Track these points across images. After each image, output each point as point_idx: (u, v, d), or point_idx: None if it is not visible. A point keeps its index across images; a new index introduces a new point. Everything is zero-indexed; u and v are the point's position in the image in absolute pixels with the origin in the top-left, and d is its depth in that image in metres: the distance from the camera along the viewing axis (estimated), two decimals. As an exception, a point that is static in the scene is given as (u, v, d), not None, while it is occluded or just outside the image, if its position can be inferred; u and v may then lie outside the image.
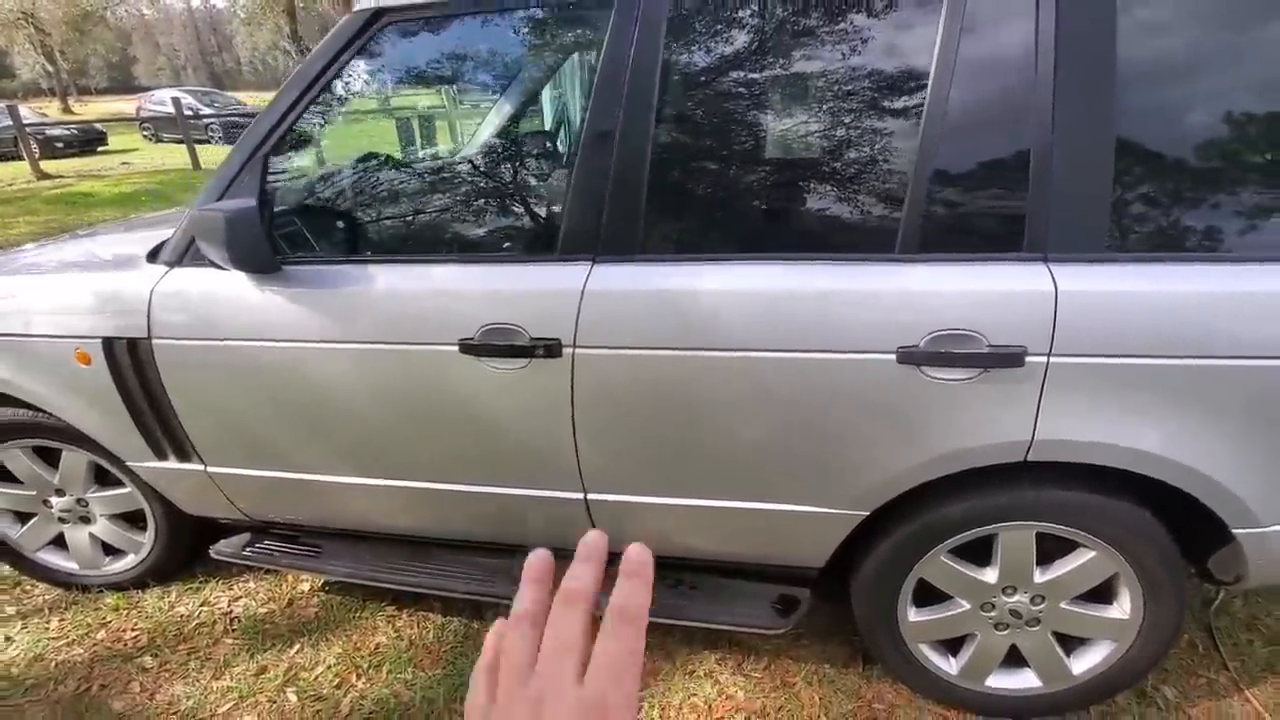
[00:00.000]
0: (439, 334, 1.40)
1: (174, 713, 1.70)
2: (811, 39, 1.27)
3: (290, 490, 1.71)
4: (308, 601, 2.04)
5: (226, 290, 1.49)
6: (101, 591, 2.10)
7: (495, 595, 1.71)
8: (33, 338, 1.67)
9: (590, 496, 1.53)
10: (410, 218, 1.60)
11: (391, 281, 1.43)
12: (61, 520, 2.04)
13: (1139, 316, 1.17)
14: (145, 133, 17.27)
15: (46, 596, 2.13)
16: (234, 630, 1.94)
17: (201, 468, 1.74)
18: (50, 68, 29.43)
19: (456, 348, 1.40)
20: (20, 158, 11.08)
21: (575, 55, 1.37)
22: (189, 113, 13.88)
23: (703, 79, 1.30)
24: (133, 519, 2.03)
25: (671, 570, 1.71)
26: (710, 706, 1.67)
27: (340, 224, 1.65)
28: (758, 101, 1.30)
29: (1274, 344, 1.14)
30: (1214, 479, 1.23)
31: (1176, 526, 1.36)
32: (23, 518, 2.07)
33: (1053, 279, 1.19)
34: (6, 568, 2.22)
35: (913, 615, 1.55)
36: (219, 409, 1.61)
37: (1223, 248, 1.18)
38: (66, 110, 28.16)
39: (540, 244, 1.46)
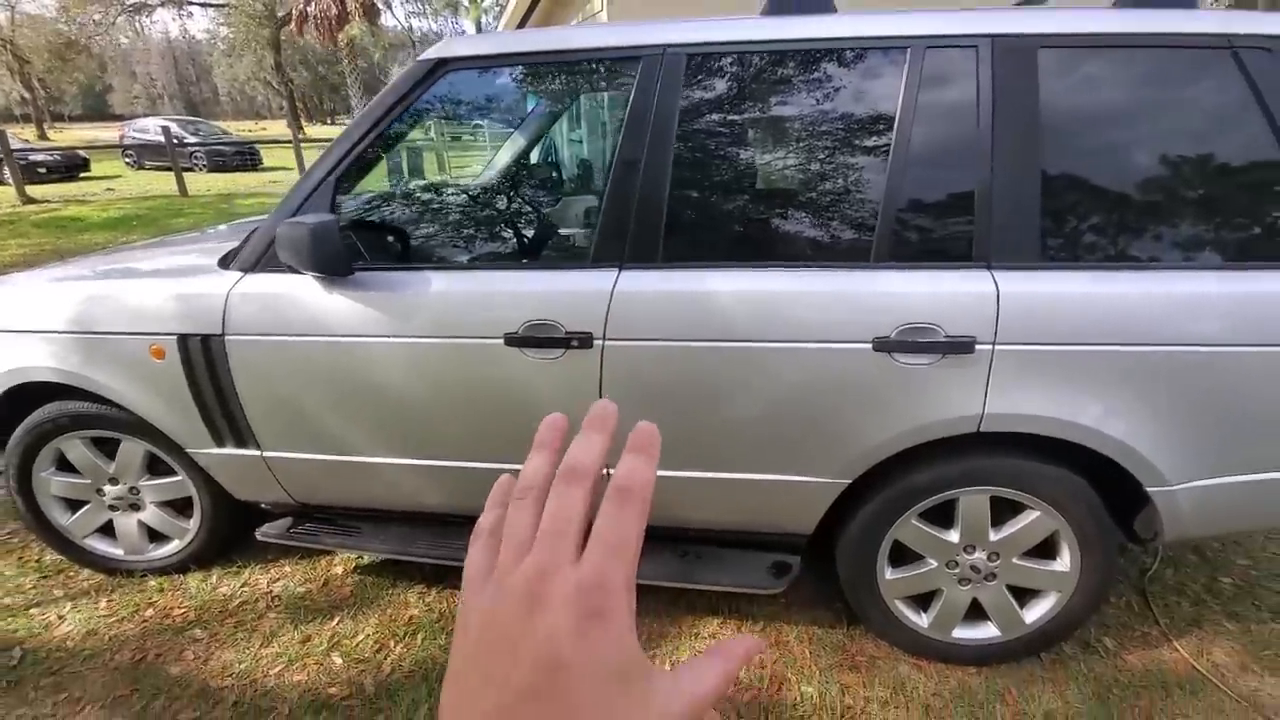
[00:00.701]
0: (486, 329, 1.65)
1: (228, 675, 1.87)
2: (798, 92, 1.57)
3: (341, 472, 1.92)
4: (342, 581, 2.23)
5: (299, 292, 1.72)
6: (145, 575, 2.26)
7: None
8: (109, 335, 1.87)
9: (613, 470, 1.76)
10: (462, 232, 1.86)
11: (446, 285, 1.68)
12: (112, 508, 2.20)
13: (1065, 312, 1.47)
14: (128, 160, 17.32)
15: (91, 581, 2.27)
16: (276, 606, 2.12)
17: (258, 453, 1.94)
18: (28, 94, 29.42)
19: (501, 341, 1.65)
20: (5, 182, 11.10)
21: (604, 100, 1.65)
22: (174, 140, 14.01)
23: (712, 122, 1.59)
24: (179, 506, 2.21)
25: (677, 541, 1.95)
26: (714, 662, 1.89)
27: (401, 236, 1.90)
28: (756, 140, 1.59)
29: (1174, 334, 1.44)
30: (1129, 445, 1.52)
31: (1104, 492, 1.64)
32: (73, 506, 2.23)
33: (995, 282, 1.49)
34: (48, 555, 2.37)
35: (889, 574, 1.80)
36: (281, 398, 1.83)
37: (1129, 258, 1.49)
38: (42, 137, 28.01)
39: (575, 254, 1.72)
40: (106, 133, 32.80)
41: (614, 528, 0.27)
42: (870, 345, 1.53)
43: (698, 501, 1.79)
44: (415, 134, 1.86)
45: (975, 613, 1.83)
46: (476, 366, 1.68)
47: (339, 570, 2.28)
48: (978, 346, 1.50)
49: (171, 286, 1.84)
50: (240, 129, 28.29)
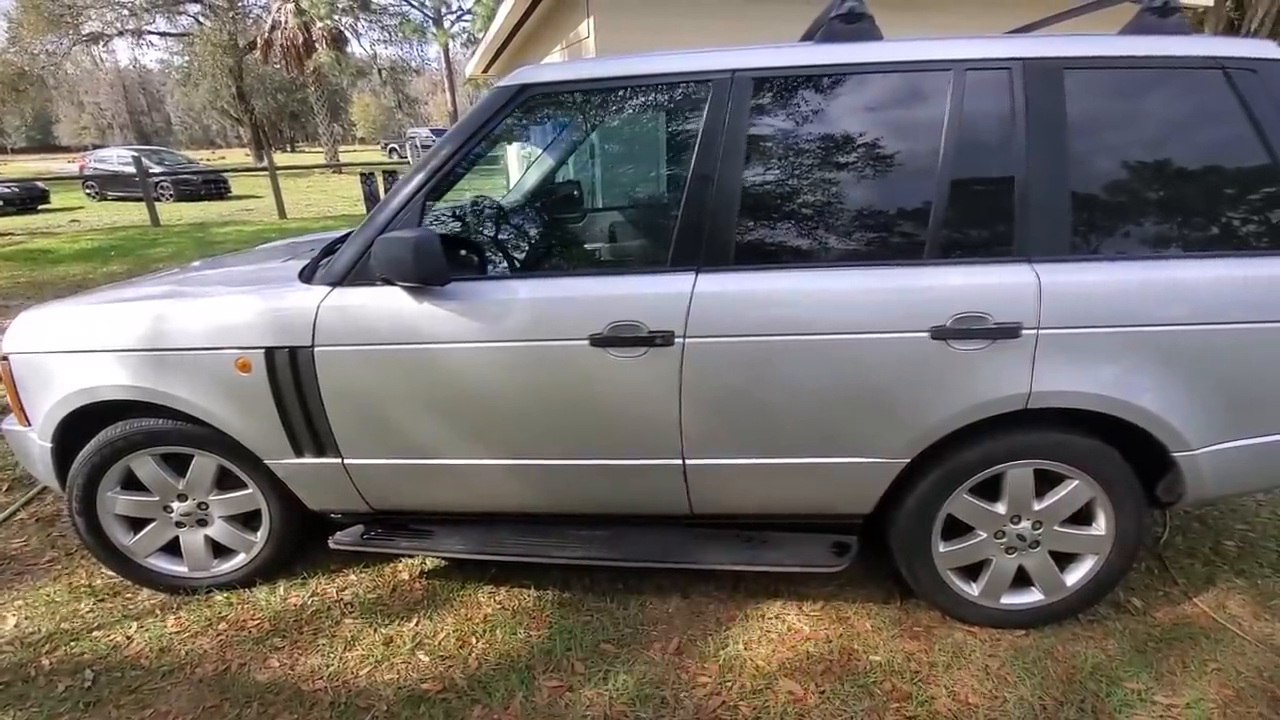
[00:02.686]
0: (572, 331, 1.78)
1: (318, 678, 1.93)
2: (853, 109, 1.75)
3: (423, 475, 2.00)
4: (411, 586, 2.29)
5: (391, 303, 1.82)
6: (210, 591, 2.29)
7: (592, 558, 2.04)
8: (191, 350, 1.93)
9: (688, 462, 1.89)
10: (547, 242, 1.99)
11: (533, 291, 1.80)
12: (179, 525, 2.24)
13: (1098, 298, 1.66)
14: (89, 191, 16.92)
15: (152, 600, 2.29)
16: (351, 612, 2.18)
17: (338, 461, 2.01)
18: (-31, 128, 28.59)
19: (587, 341, 1.77)
20: (-38, 216, 10.79)
21: (677, 120, 1.81)
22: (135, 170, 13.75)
23: (777, 137, 1.76)
24: (245, 520, 2.26)
25: (743, 528, 2.08)
26: (782, 638, 2.02)
27: (486, 247, 2.02)
28: (817, 153, 1.76)
29: (1197, 314, 1.64)
30: (1158, 415, 1.71)
31: (1132, 460, 1.83)
32: (136, 525, 2.26)
33: (1035, 274, 1.68)
34: (99, 578, 2.38)
35: (942, 547, 1.96)
36: (368, 405, 1.91)
37: (1152, 248, 1.69)
38: (-13, 169, 27.10)
39: (654, 259, 1.86)
40: (55, 164, 31.91)
41: None
42: (928, 334, 1.70)
43: (768, 487, 1.92)
44: (497, 153, 2.00)
45: (1020, 579, 1.99)
46: (562, 367, 1.80)
47: (405, 575, 2.34)
48: (1023, 331, 1.68)
49: (257, 301, 1.92)
50: (198, 158, 27.82)
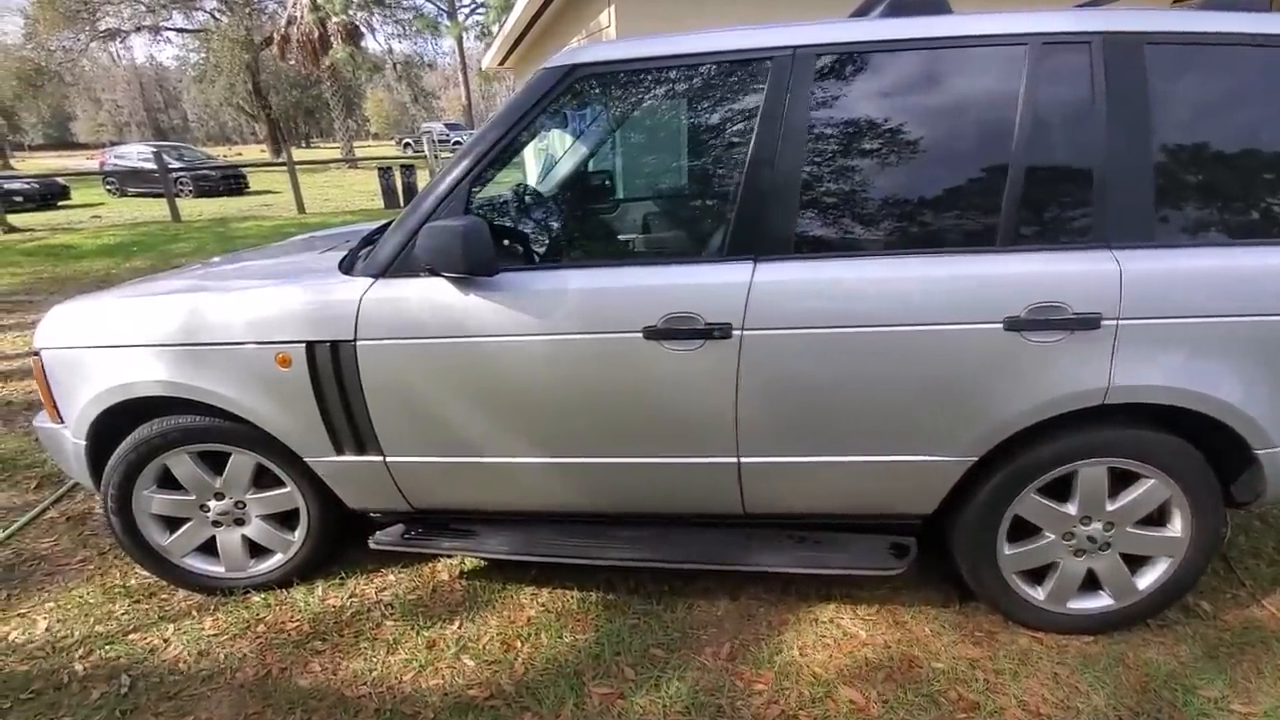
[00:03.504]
0: (626, 323, 1.70)
1: (361, 684, 1.88)
2: (922, 88, 1.65)
3: (468, 474, 1.94)
4: (451, 587, 2.24)
5: (437, 295, 1.76)
6: (247, 592, 2.24)
7: (642, 559, 1.97)
8: (229, 345, 1.88)
9: (743, 460, 1.82)
10: (595, 229, 1.91)
11: (584, 282, 1.73)
12: (216, 524, 2.19)
13: (1183, 287, 1.57)
14: (109, 187, 17.05)
15: (188, 601, 2.25)
16: (391, 614, 2.12)
17: (380, 459, 1.96)
18: (-10, 124, 28.92)
19: (641, 334, 1.70)
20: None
21: (736, 101, 1.72)
22: (155, 166, 13.81)
23: (840, 118, 1.67)
24: (283, 518, 2.21)
25: (795, 529, 2.01)
26: (839, 644, 1.94)
27: (538, 235, 1.95)
28: (882, 134, 1.67)
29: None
30: (1243, 410, 1.62)
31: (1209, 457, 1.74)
32: (171, 525, 2.21)
33: (1117, 261, 1.58)
34: (133, 578, 2.34)
35: (1008, 549, 1.87)
36: (412, 401, 1.85)
37: (1240, 233, 1.59)
38: (6, 167, 27.41)
39: (711, 248, 1.78)
40: (73, 161, 32.22)
41: None
42: (1001, 325, 1.61)
43: (826, 487, 1.84)
44: (552, 140, 1.93)
45: (1088, 582, 1.90)
46: (614, 361, 1.73)
47: (445, 576, 2.29)
48: (1103, 322, 1.58)
49: (298, 294, 1.86)
50: (216, 154, 27.99)
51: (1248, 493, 1.80)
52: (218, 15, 29.49)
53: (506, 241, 1.89)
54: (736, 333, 1.67)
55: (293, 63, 23.58)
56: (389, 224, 2.31)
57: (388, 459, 1.95)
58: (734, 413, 1.75)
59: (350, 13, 23.10)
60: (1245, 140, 1.61)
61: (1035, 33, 1.59)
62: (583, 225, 1.97)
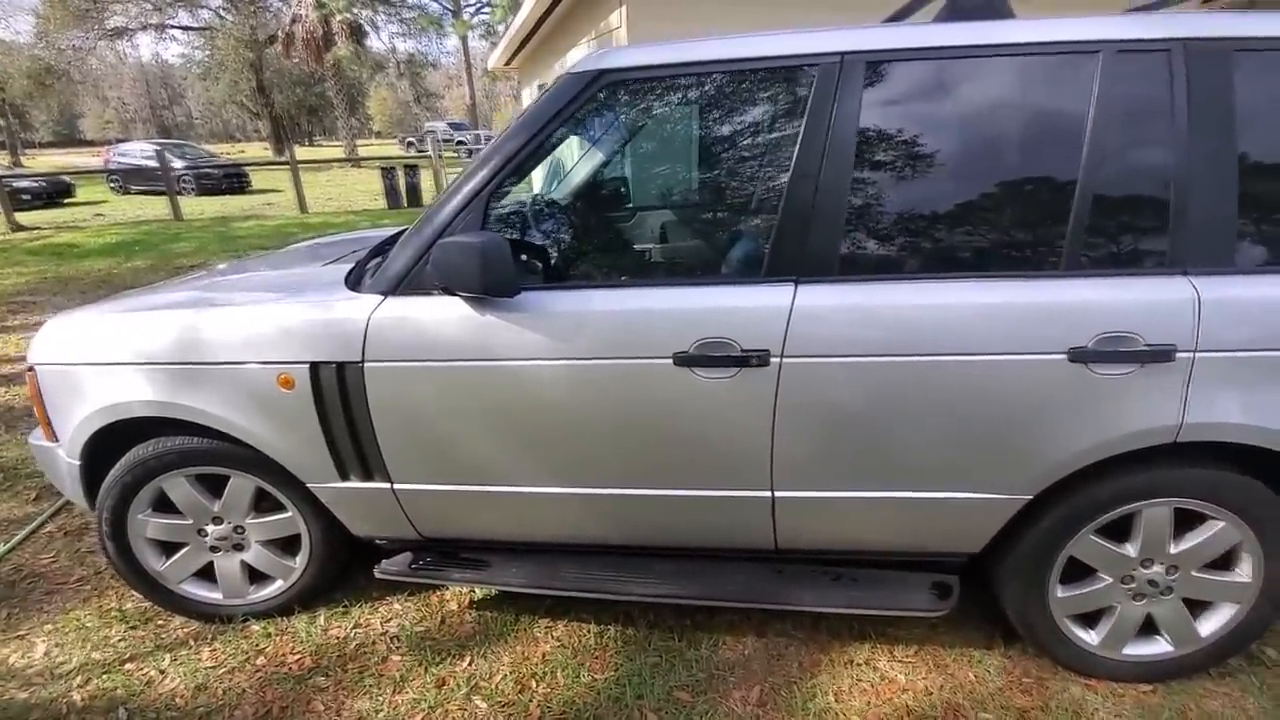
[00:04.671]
0: (654, 348, 1.58)
1: (366, 726, 1.76)
2: (981, 98, 1.52)
3: (481, 503, 1.82)
4: (460, 618, 2.12)
5: (451, 314, 1.63)
6: (246, 620, 2.12)
7: (669, 596, 1.84)
8: (228, 365, 1.76)
9: (778, 494, 1.69)
10: (623, 248, 1.79)
11: (609, 304, 1.61)
12: (213, 549, 2.07)
13: (1268, 318, 1.44)
14: (113, 185, 16.96)
15: (185, 629, 2.13)
16: (398, 648, 2.00)
17: (387, 485, 1.83)
18: (2, 122, 28.78)
19: (670, 360, 1.58)
20: (-10, 210, 10.77)
21: (777, 111, 1.60)
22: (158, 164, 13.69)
23: (891, 131, 1.54)
24: (283, 544, 2.09)
25: (829, 565, 1.88)
26: (876, 689, 1.81)
27: (560, 252, 1.82)
28: (937, 148, 1.54)
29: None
30: (1327, 450, 1.49)
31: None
32: (168, 550, 2.10)
33: (1194, 289, 1.45)
34: (129, 602, 2.23)
35: (1060, 592, 1.74)
36: (423, 426, 1.73)
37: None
38: (16, 164, 27.38)
39: (748, 268, 1.65)
40: (79, 158, 32.18)
41: None
42: (1066, 356, 1.48)
43: (866, 523, 1.72)
44: (578, 150, 1.82)
45: (1146, 628, 1.78)
46: (642, 388, 1.61)
47: (454, 606, 2.17)
48: (1178, 355, 1.46)
49: (301, 311, 1.74)
50: (219, 152, 27.92)
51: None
52: (222, 13, 29.42)
53: (524, 257, 1.77)
54: (775, 360, 1.55)
55: (296, 60, 23.48)
56: (399, 233, 2.19)
57: (395, 486, 1.83)
58: (770, 444, 1.63)
59: (354, 11, 23.01)
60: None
61: (1109, 39, 1.46)
62: (608, 241, 1.85)
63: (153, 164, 13.69)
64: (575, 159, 1.84)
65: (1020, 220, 1.53)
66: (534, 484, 1.77)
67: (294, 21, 22.55)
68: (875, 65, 1.51)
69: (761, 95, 1.59)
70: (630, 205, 2.30)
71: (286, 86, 36.87)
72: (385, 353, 1.68)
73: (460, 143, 25.62)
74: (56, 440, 1.98)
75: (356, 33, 22.87)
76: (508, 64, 13.49)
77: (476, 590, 2.22)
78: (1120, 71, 1.46)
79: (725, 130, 1.67)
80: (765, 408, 1.59)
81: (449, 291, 1.61)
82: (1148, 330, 1.46)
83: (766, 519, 1.74)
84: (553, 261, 1.81)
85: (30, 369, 1.96)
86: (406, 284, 1.68)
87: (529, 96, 13.69)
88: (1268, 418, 1.48)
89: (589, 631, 2.04)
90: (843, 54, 1.52)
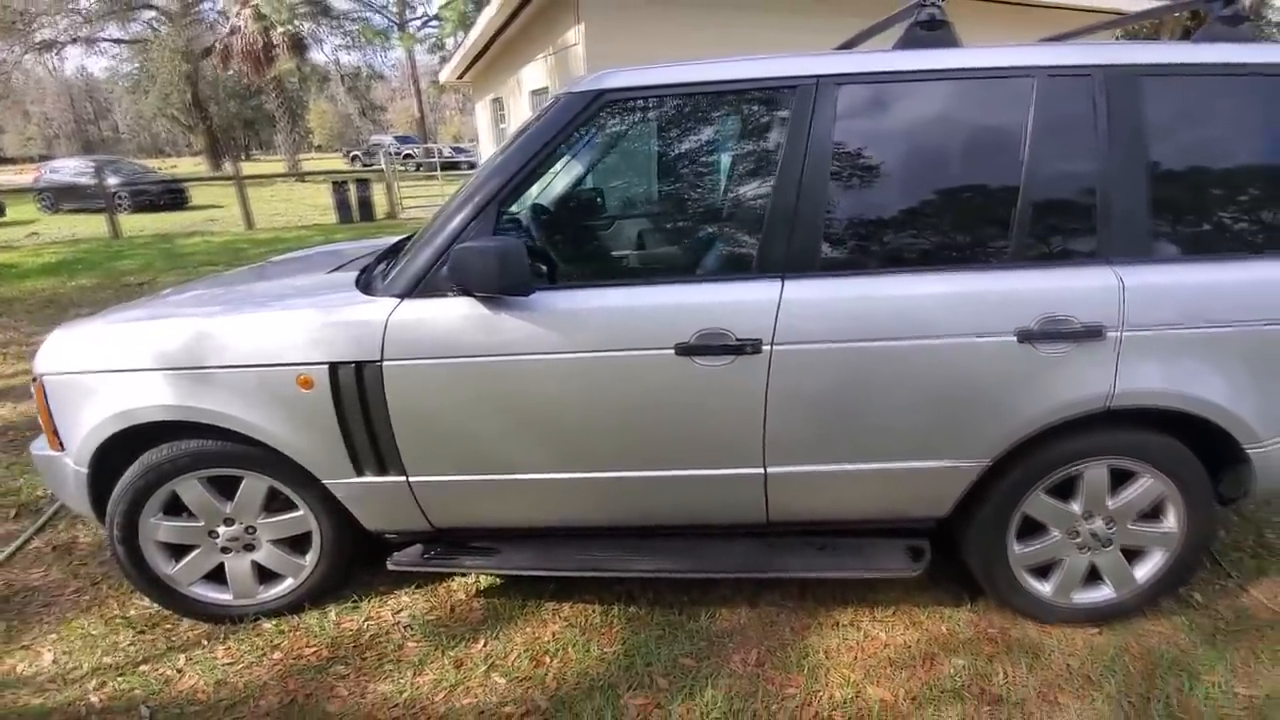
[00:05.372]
0: (658, 340, 1.74)
1: (392, 706, 1.85)
2: (937, 115, 1.75)
3: (493, 491, 1.94)
4: (469, 606, 2.22)
5: (466, 314, 1.76)
6: (257, 619, 2.18)
7: (671, 570, 2.00)
8: (247, 368, 1.84)
9: (769, 470, 1.87)
10: (627, 249, 1.95)
11: (616, 300, 1.77)
12: (224, 550, 2.12)
13: (1178, 299, 1.70)
14: (43, 203, 16.15)
15: (195, 631, 2.17)
16: (412, 635, 2.09)
17: (403, 479, 1.94)
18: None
19: (672, 350, 1.74)
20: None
21: (762, 126, 1.80)
22: (93, 181, 13.12)
23: (862, 143, 1.76)
24: (293, 542, 2.16)
25: (814, 535, 2.07)
26: (861, 646, 2.00)
27: (569, 254, 1.97)
28: (902, 158, 1.76)
29: (1267, 311, 1.69)
30: (1234, 412, 1.75)
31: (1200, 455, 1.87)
32: (178, 552, 2.14)
33: (1118, 277, 1.71)
34: (133, 609, 2.25)
35: (1017, 548, 1.97)
36: (439, 421, 1.84)
37: (1231, 249, 1.73)
38: (-73, 181, 25.72)
39: (740, 266, 1.84)
40: (3, 176, 30.44)
41: None
42: (1015, 337, 1.71)
43: (849, 493, 1.91)
44: (580, 163, 1.97)
45: (1091, 577, 2.02)
46: (647, 377, 1.77)
47: (461, 595, 2.27)
48: (1107, 333, 1.70)
49: (319, 315, 1.84)
50: (152, 166, 26.85)
51: (1235, 489, 1.94)
52: (155, 25, 28.44)
53: (536, 260, 1.91)
54: (766, 348, 1.73)
55: (234, 73, 22.88)
56: (403, 240, 2.31)
57: (410, 479, 1.93)
58: (762, 424, 1.81)
59: (296, 23, 22.61)
60: (1230, 163, 1.76)
61: (1042, 65, 1.71)
62: (611, 244, 2.01)
63: (85, 181, 13.15)
64: (578, 170, 1.99)
65: (973, 219, 1.77)
66: (545, 471, 1.90)
67: (232, 33, 22.02)
68: (845, 86, 1.73)
69: (748, 113, 1.78)
70: (632, 212, 2.48)
71: (222, 99, 35.79)
72: (404, 352, 1.79)
73: (408, 156, 25.33)
74: (62, 449, 2.02)
75: (298, 45, 22.47)
76: (460, 77, 13.53)
77: (482, 579, 2.33)
78: (1052, 92, 1.70)
79: (716, 144, 1.86)
80: (758, 391, 1.77)
81: (466, 292, 1.74)
82: (1081, 312, 1.70)
83: (759, 494, 1.92)
84: (561, 263, 1.96)
85: (35, 379, 1.99)
86: (423, 287, 1.80)
87: (483, 110, 13.73)
88: (1183, 385, 1.74)
89: (594, 611, 2.17)
90: (818, 77, 1.73)
